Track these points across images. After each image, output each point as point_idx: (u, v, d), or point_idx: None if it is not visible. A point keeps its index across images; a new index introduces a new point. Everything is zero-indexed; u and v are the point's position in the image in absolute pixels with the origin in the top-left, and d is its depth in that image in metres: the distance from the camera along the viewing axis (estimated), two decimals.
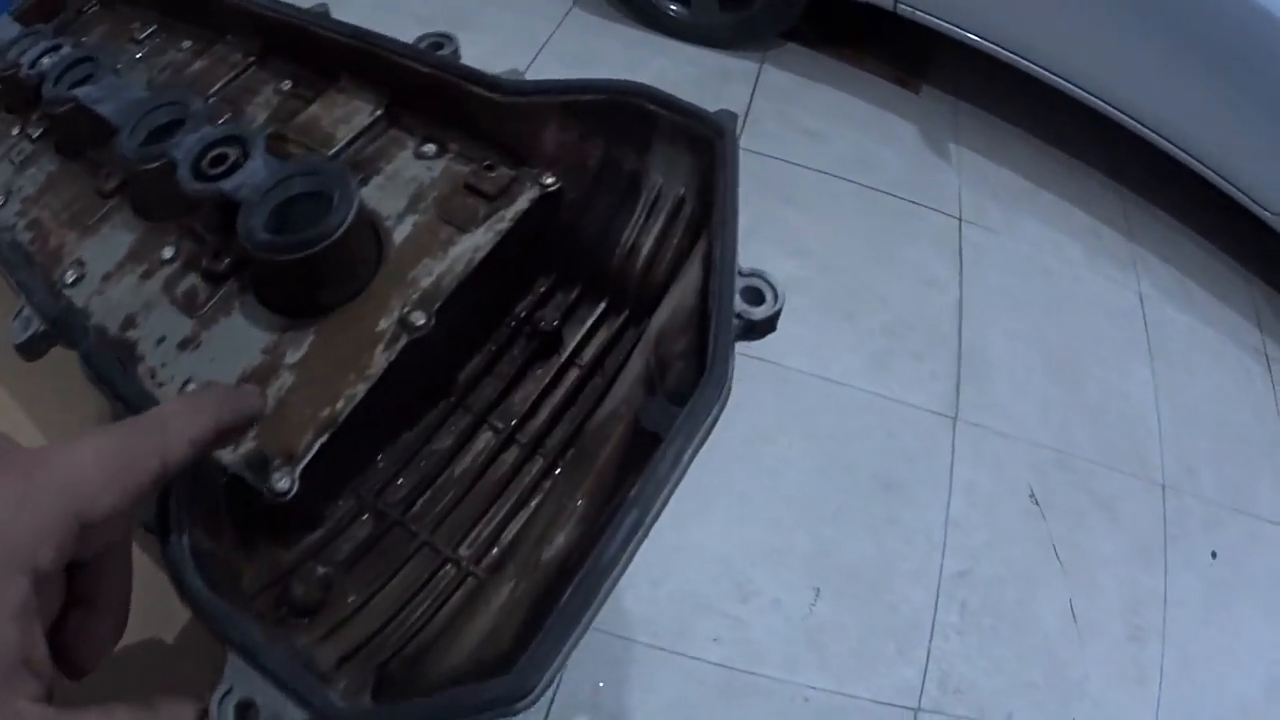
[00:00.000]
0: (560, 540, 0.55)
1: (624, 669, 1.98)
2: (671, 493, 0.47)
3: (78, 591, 0.43)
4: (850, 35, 3.62)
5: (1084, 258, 3.20)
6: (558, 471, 0.65)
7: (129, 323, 0.63)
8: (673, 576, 2.19)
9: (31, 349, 0.63)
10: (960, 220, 3.14)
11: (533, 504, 0.64)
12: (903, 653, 2.30)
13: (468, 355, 0.68)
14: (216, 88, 0.80)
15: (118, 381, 0.58)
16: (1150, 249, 3.32)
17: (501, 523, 0.63)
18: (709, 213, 0.62)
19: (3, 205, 0.76)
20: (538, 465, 0.65)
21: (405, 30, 0.79)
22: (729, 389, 0.50)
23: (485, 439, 0.66)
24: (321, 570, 0.58)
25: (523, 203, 0.68)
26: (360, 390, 0.58)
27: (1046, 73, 3.03)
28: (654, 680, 2.08)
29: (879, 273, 2.90)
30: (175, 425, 0.44)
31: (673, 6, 3.44)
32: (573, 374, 0.70)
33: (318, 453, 0.55)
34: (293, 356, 0.59)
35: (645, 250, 0.69)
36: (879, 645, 2.29)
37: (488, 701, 0.42)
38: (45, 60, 0.79)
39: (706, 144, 0.63)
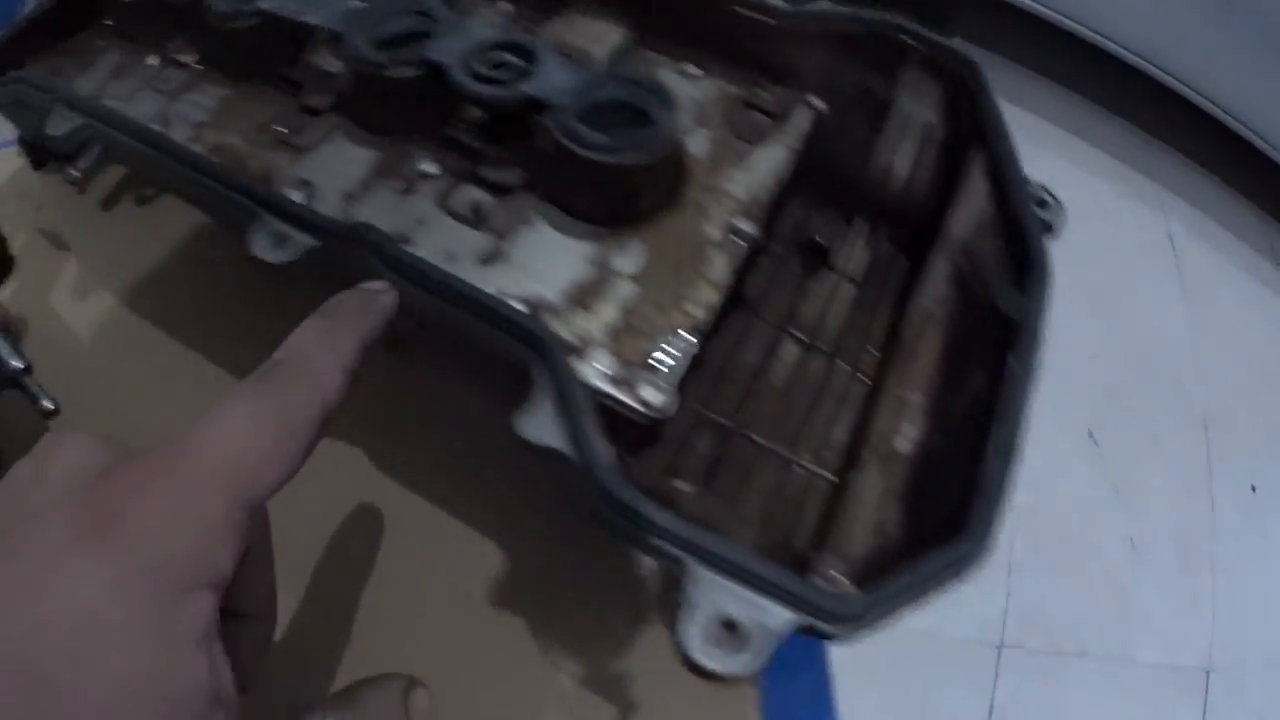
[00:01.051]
0: (912, 432, 0.54)
1: None
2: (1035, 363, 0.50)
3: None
4: None
5: (1114, 198, 3.22)
6: (861, 373, 0.63)
7: (403, 239, 0.58)
8: None
9: (292, 272, 0.53)
10: None
11: (851, 408, 0.62)
12: (983, 591, 2.30)
13: (751, 266, 0.65)
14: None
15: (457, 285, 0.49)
16: (1175, 190, 3.32)
17: (827, 423, 0.60)
18: (959, 136, 0.66)
19: (165, 130, 0.68)
20: (842, 369, 0.63)
21: None
22: (1050, 273, 0.54)
23: (789, 348, 0.64)
24: (686, 488, 0.56)
25: (803, 123, 0.67)
26: (715, 298, 0.55)
27: (1071, 22, 3.05)
28: None
29: None
30: (323, 359, 0.38)
31: None
32: (846, 286, 0.68)
33: (688, 363, 0.53)
34: (626, 266, 0.56)
35: (898, 172, 0.69)
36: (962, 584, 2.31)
37: (953, 561, 0.41)
38: None
39: (954, 77, 0.65)
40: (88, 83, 0.74)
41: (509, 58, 0.60)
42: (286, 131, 0.67)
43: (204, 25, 0.70)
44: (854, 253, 0.70)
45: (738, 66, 0.70)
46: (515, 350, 0.47)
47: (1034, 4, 3.06)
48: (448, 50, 0.60)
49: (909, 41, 0.66)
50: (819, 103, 0.68)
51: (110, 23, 0.80)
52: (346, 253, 0.51)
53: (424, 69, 0.60)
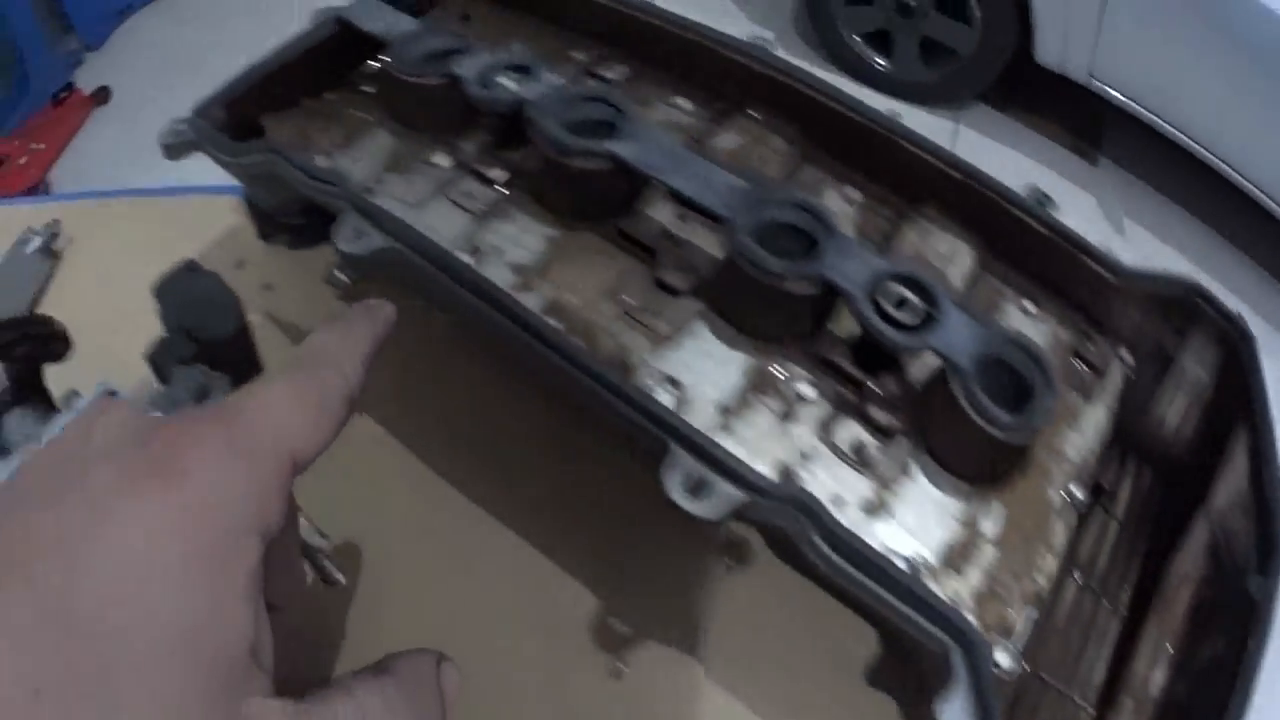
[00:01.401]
0: (1159, 679, 0.60)
1: None
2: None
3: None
4: (1037, 102, 3.60)
5: None
6: (1122, 615, 0.67)
7: (788, 473, 0.59)
8: None
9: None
10: None
11: (1108, 644, 0.66)
12: None
13: None
14: (773, 177, 0.74)
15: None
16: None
17: (1091, 661, 0.64)
18: (1224, 399, 0.69)
19: (477, 265, 0.64)
20: (1104, 609, 0.66)
21: None
22: None
23: (1070, 588, 0.67)
24: None
25: (1118, 380, 0.71)
26: (1054, 565, 0.59)
27: (1220, 162, 3.03)
28: None
29: None
30: (347, 353, 0.41)
31: (878, 59, 3.44)
32: (1113, 525, 0.71)
33: (1033, 629, 0.57)
34: (989, 529, 0.59)
35: (1170, 422, 0.72)
36: None
37: None
38: (509, 83, 0.68)
39: (1230, 343, 0.69)
40: (358, 168, 0.70)
41: (910, 296, 0.60)
42: (639, 307, 0.65)
43: (512, 138, 0.70)
44: (1121, 494, 0.73)
45: (1069, 311, 0.74)
46: (928, 635, 0.51)
47: (1184, 137, 3.07)
48: (847, 273, 0.59)
49: (1204, 306, 0.70)
50: (1129, 358, 0.72)
51: (368, 90, 0.78)
52: (776, 512, 0.52)
53: (819, 285, 0.60)
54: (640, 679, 0.69)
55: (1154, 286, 0.70)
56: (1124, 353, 0.72)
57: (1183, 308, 0.70)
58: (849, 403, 0.63)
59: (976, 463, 0.61)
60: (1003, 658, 0.54)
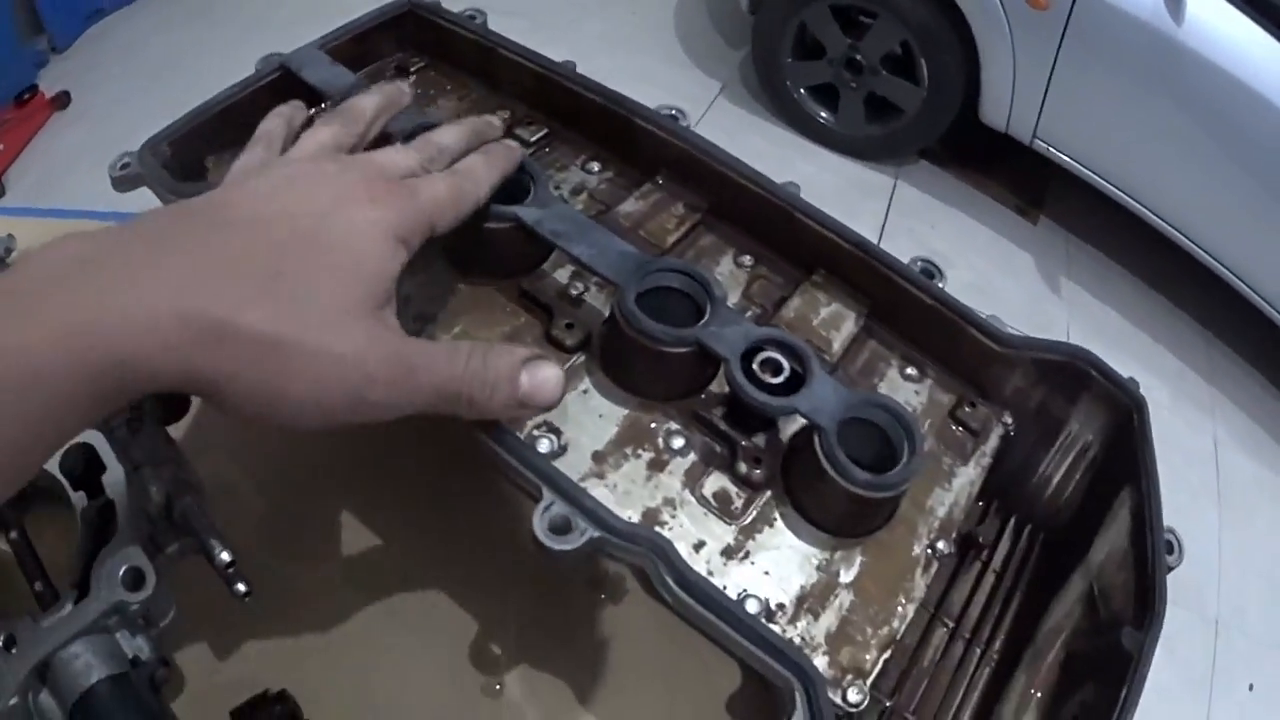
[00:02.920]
0: None
1: None
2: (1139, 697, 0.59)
3: None
4: (977, 159, 3.67)
5: (1169, 400, 3.26)
6: (993, 663, 0.71)
7: (654, 519, 0.63)
8: None
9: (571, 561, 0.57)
10: None
11: (978, 690, 0.70)
12: None
13: None
14: (670, 243, 0.79)
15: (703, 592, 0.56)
16: (1228, 395, 3.38)
17: (959, 707, 0.68)
18: (1112, 462, 0.74)
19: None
20: (975, 656, 0.71)
21: None
22: (1163, 619, 0.63)
23: (939, 634, 0.71)
24: None
25: (995, 440, 0.75)
26: (910, 610, 0.63)
27: (1159, 220, 3.13)
28: None
29: None
30: (483, 174, 0.61)
31: (822, 113, 3.52)
32: (990, 577, 0.76)
33: (881, 667, 0.60)
34: (846, 577, 0.63)
35: (1054, 481, 0.77)
36: None
37: None
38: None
39: (1122, 409, 0.74)
40: None
41: (783, 360, 0.64)
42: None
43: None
44: (1000, 547, 0.78)
45: (950, 377, 0.78)
46: (775, 674, 0.55)
47: (1126, 198, 3.15)
48: (726, 341, 0.63)
49: (1093, 373, 0.74)
50: (1009, 419, 0.77)
51: None
52: (630, 551, 0.57)
53: (696, 349, 0.64)
54: (517, 695, 0.74)
55: (1037, 354, 0.74)
56: (1006, 417, 0.77)
57: (1070, 374, 0.75)
58: (718, 456, 0.67)
59: (837, 515, 0.65)
60: (853, 694, 0.59)
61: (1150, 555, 0.66)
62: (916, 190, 3.63)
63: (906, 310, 0.77)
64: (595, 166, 0.87)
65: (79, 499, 0.64)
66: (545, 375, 0.53)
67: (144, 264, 0.41)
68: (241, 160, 0.55)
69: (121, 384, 0.40)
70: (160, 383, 0.41)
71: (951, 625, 0.73)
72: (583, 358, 0.71)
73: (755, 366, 0.64)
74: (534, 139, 0.88)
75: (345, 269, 0.47)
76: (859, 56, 3.34)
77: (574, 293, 0.74)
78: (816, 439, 0.62)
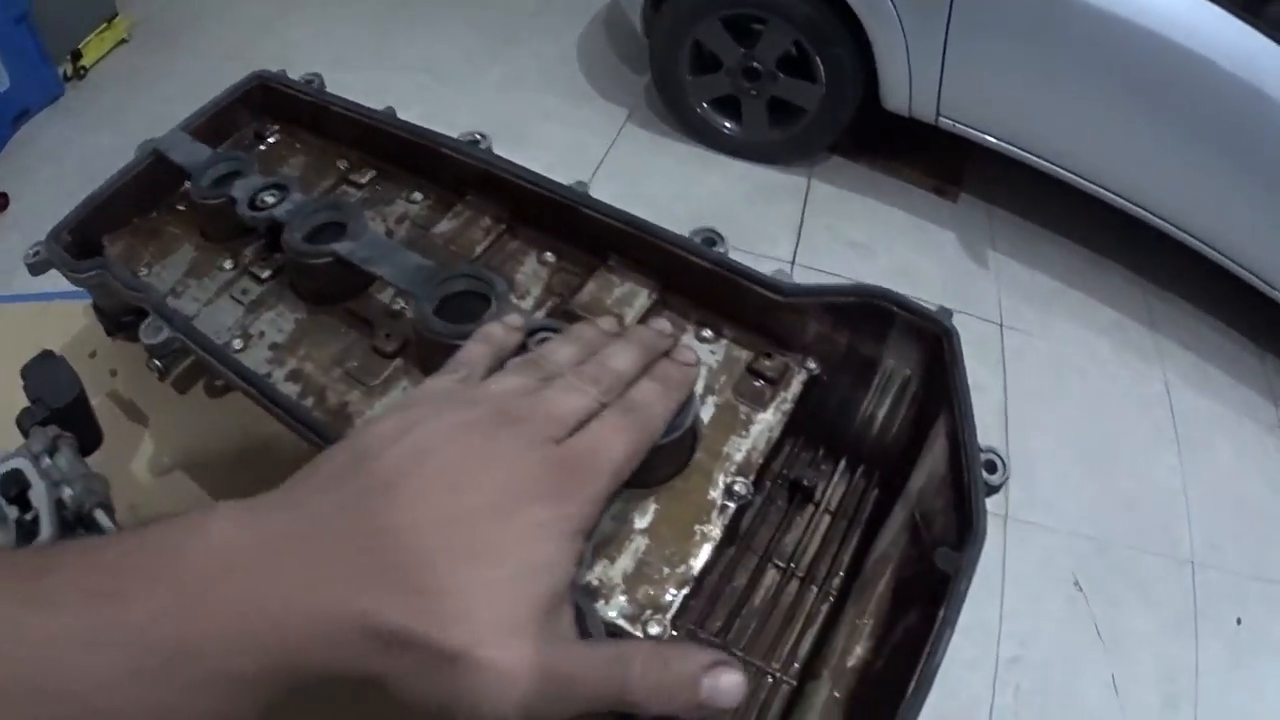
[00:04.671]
0: (859, 651, 0.69)
1: None
2: (959, 614, 0.62)
3: None
4: (890, 146, 3.71)
5: (1111, 352, 3.29)
6: (830, 597, 0.75)
7: None
8: None
9: None
10: (1001, 325, 3.25)
11: (817, 624, 0.74)
12: None
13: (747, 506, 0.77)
14: (479, 252, 0.87)
15: None
16: (1172, 338, 3.42)
17: (797, 641, 0.73)
18: (932, 392, 0.78)
19: (241, 349, 0.80)
20: (812, 592, 0.75)
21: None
22: (985, 536, 0.65)
23: (770, 575, 0.76)
24: None
25: (797, 386, 0.79)
26: (707, 549, 0.67)
27: (1075, 177, 3.17)
28: None
29: None
30: (659, 411, 0.57)
31: (726, 124, 3.57)
32: (824, 519, 0.80)
33: (681, 602, 0.65)
34: (641, 523, 0.68)
35: (879, 419, 0.82)
36: None
37: None
38: (269, 198, 0.83)
39: (932, 338, 0.78)
40: (166, 274, 0.87)
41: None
42: (358, 368, 0.80)
43: (276, 244, 0.83)
44: (834, 489, 0.82)
45: (746, 334, 0.83)
46: None
47: (1041, 161, 3.19)
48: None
49: (895, 309, 0.78)
50: (814, 365, 0.81)
51: (182, 209, 0.94)
52: None
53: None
54: None
55: (827, 299, 0.79)
56: (810, 363, 0.81)
57: (871, 314, 0.79)
58: None
59: None
60: (653, 627, 0.64)
61: (966, 475, 0.69)
62: (831, 186, 3.67)
63: (693, 279, 0.83)
64: (417, 196, 0.96)
65: (12, 511, 0.75)
66: (730, 682, 0.47)
67: (314, 563, 0.42)
68: (426, 384, 0.55)
69: (293, 681, 0.41)
70: (328, 679, 0.41)
71: (783, 566, 0.77)
72: (402, 361, 0.80)
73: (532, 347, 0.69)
74: (364, 180, 0.98)
75: (525, 575, 0.44)
76: (755, 63, 3.39)
77: (395, 308, 0.83)
78: None
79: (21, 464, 0.77)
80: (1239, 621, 2.77)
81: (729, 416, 0.76)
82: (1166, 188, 3.08)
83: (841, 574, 0.77)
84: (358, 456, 0.46)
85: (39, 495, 0.75)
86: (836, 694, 0.67)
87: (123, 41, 4.31)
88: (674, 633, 0.64)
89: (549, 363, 0.56)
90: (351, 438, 0.48)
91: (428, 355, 0.77)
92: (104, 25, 4.22)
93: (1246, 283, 3.16)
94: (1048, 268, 3.49)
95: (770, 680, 0.71)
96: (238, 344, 0.80)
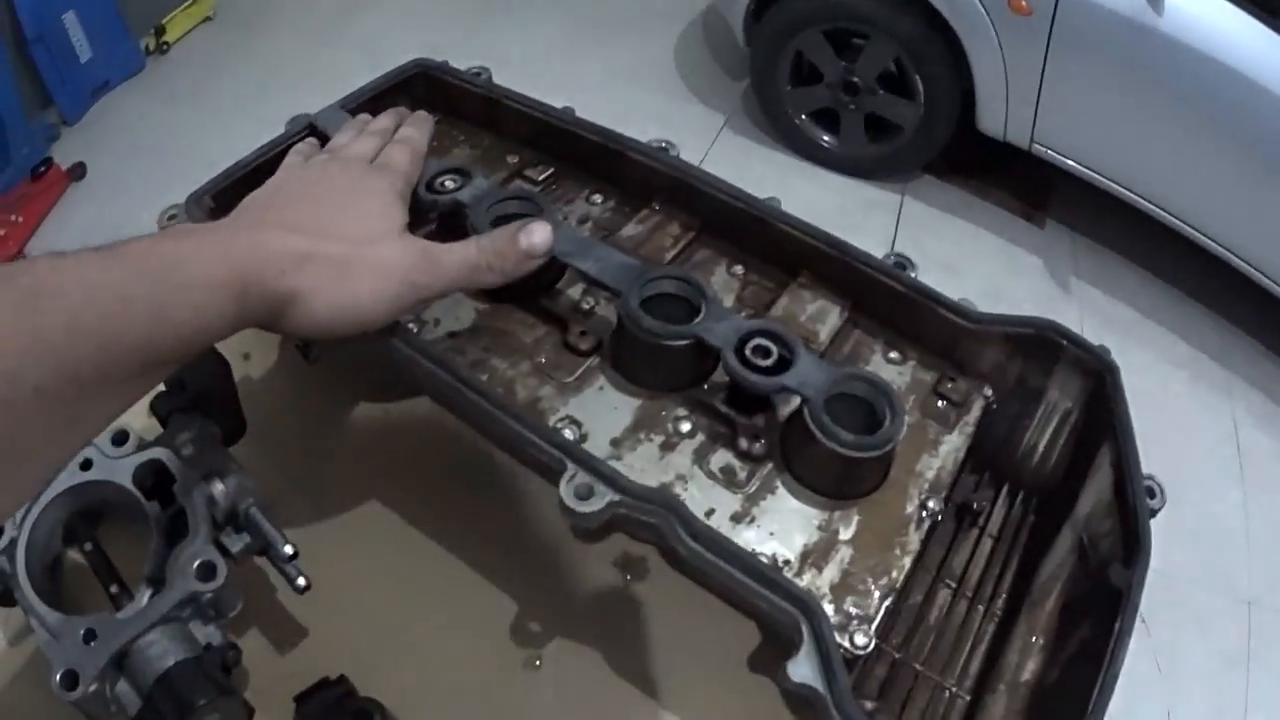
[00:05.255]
0: (1032, 666, 0.71)
1: None
2: (1134, 624, 0.65)
3: None
4: (981, 169, 3.72)
5: (1185, 386, 3.29)
6: (996, 618, 0.78)
7: (664, 489, 0.71)
8: None
9: (595, 523, 0.66)
10: None
11: (985, 642, 0.77)
12: None
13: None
14: (667, 259, 0.89)
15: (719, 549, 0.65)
16: (1244, 376, 3.39)
17: (968, 655, 0.75)
18: (1091, 423, 0.81)
19: (417, 333, 0.81)
20: (980, 612, 0.77)
21: None
22: (1150, 554, 0.69)
23: (943, 594, 0.78)
24: (869, 704, 0.70)
25: (977, 410, 0.83)
26: (907, 562, 0.70)
27: (1160, 211, 3.16)
28: None
29: None
30: (417, 135, 0.83)
31: (824, 137, 3.59)
32: (988, 542, 0.82)
33: (884, 614, 0.68)
34: (845, 534, 0.71)
35: (1040, 448, 0.84)
36: None
37: None
38: (449, 183, 0.83)
39: (1095, 373, 0.81)
40: None
41: (772, 346, 0.73)
42: (548, 364, 0.81)
43: (452, 227, 0.84)
44: (996, 513, 0.85)
45: (931, 356, 0.86)
46: (781, 610, 0.62)
47: (1127, 193, 3.19)
48: (719, 334, 0.73)
49: (1064, 343, 0.81)
50: (989, 392, 0.84)
51: None
52: (647, 510, 0.65)
53: (694, 341, 0.73)
54: (555, 669, 0.82)
55: (1007, 328, 0.82)
56: (986, 389, 0.84)
57: (1042, 345, 0.82)
58: (722, 435, 0.76)
59: (831, 479, 0.73)
60: (860, 638, 0.66)
61: (1132, 499, 0.72)
62: (923, 204, 3.69)
63: (884, 300, 0.85)
64: (598, 198, 0.97)
65: (153, 508, 0.73)
66: (535, 228, 0.71)
67: (259, 224, 0.65)
68: (290, 157, 0.78)
69: (248, 298, 0.57)
70: (268, 299, 0.59)
71: (953, 586, 0.80)
72: (597, 360, 0.81)
73: (748, 353, 0.73)
74: (541, 178, 0.99)
75: (377, 210, 0.69)
76: (855, 78, 3.41)
77: (586, 306, 0.84)
78: (805, 409, 0.71)
79: (162, 454, 0.73)
80: None
81: (919, 436, 0.79)
82: (1249, 229, 3.07)
83: (1005, 595, 0.79)
84: (277, 185, 0.72)
85: (186, 490, 0.71)
86: (1013, 705, 0.69)
87: (207, 19, 4.39)
88: (877, 647, 0.67)
89: (355, 139, 0.80)
90: (271, 181, 0.72)
91: (626, 353, 0.79)
92: (189, 2, 4.29)
93: None
94: (1128, 298, 3.49)
95: (948, 695, 0.73)
96: (413, 327, 0.82)
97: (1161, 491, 0.76)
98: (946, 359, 0.85)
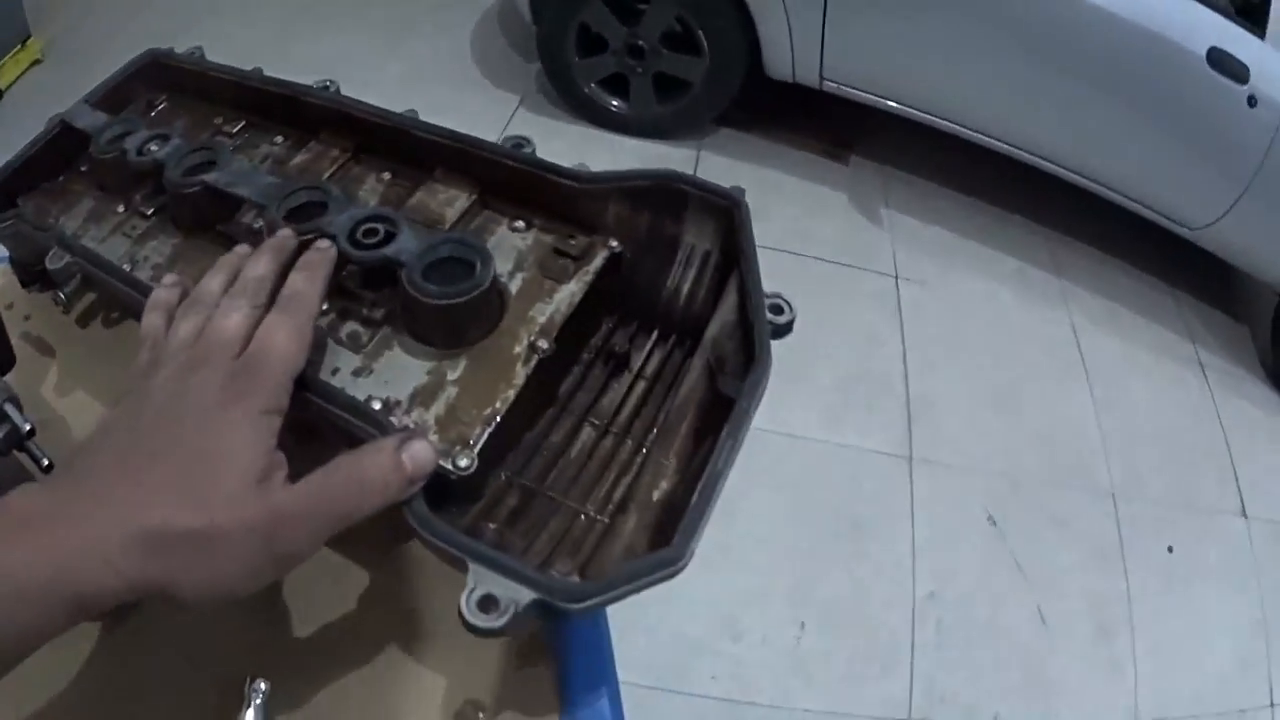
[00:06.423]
0: (664, 486, 0.80)
1: (632, 712, 2.16)
2: (746, 431, 0.74)
3: None
4: (781, 117, 3.88)
5: (1014, 299, 3.45)
6: (644, 448, 0.87)
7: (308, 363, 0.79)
8: (668, 623, 2.43)
9: None
10: (896, 278, 3.42)
11: (632, 473, 0.85)
12: (887, 671, 2.53)
13: (565, 375, 0.90)
14: (326, 177, 1.00)
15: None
16: (1078, 283, 3.59)
17: (612, 485, 0.84)
18: (731, 261, 0.90)
19: (131, 270, 0.93)
20: (628, 445, 0.87)
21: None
22: (770, 366, 0.77)
23: (587, 432, 0.88)
24: (492, 526, 0.80)
25: (598, 261, 0.92)
26: (511, 394, 0.80)
27: (964, 129, 3.35)
28: (661, 719, 2.31)
29: (826, 334, 3.21)
30: (311, 294, 0.77)
31: (614, 102, 3.73)
32: (640, 383, 0.92)
33: (487, 439, 0.77)
34: (453, 375, 0.81)
35: (684, 291, 0.94)
36: (864, 667, 2.52)
37: (659, 562, 0.66)
38: (154, 147, 0.97)
39: (725, 212, 0.90)
40: (70, 223, 1.02)
41: (379, 227, 0.85)
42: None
43: (161, 187, 0.97)
44: (650, 357, 0.95)
45: (553, 221, 0.96)
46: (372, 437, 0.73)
47: (928, 116, 3.35)
48: (337, 223, 0.85)
49: (687, 189, 0.92)
50: (616, 244, 0.94)
51: (85, 169, 1.09)
52: None
53: (318, 235, 0.84)
54: None
55: (623, 183, 0.92)
56: (612, 242, 0.94)
57: (666, 195, 0.92)
58: (350, 310, 0.87)
59: (437, 330, 0.84)
60: (461, 460, 0.76)
61: (751, 315, 0.82)
62: (722, 157, 3.85)
63: (506, 179, 0.96)
64: (279, 139, 1.11)
65: None
66: (419, 447, 0.69)
67: (98, 503, 0.57)
68: (133, 368, 0.71)
69: (84, 605, 0.53)
70: (121, 598, 0.55)
71: (601, 425, 0.90)
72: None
73: (359, 235, 0.85)
74: (235, 130, 1.13)
75: (231, 459, 0.60)
76: (640, 41, 3.55)
77: (256, 227, 0.95)
78: (403, 274, 0.81)
79: None
80: (1170, 550, 2.95)
81: (534, 288, 0.88)
82: (1051, 128, 3.25)
83: (656, 430, 0.88)
84: (120, 428, 0.64)
85: None
86: (643, 521, 0.78)
87: (36, 62, 4.42)
88: (479, 464, 0.77)
89: (206, 295, 0.74)
90: (115, 416, 0.66)
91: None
92: (18, 48, 4.32)
93: (1151, 221, 3.30)
94: (944, 222, 3.65)
95: (584, 519, 0.83)
96: (126, 266, 0.94)
97: (790, 307, 0.86)
98: (568, 221, 0.95)
